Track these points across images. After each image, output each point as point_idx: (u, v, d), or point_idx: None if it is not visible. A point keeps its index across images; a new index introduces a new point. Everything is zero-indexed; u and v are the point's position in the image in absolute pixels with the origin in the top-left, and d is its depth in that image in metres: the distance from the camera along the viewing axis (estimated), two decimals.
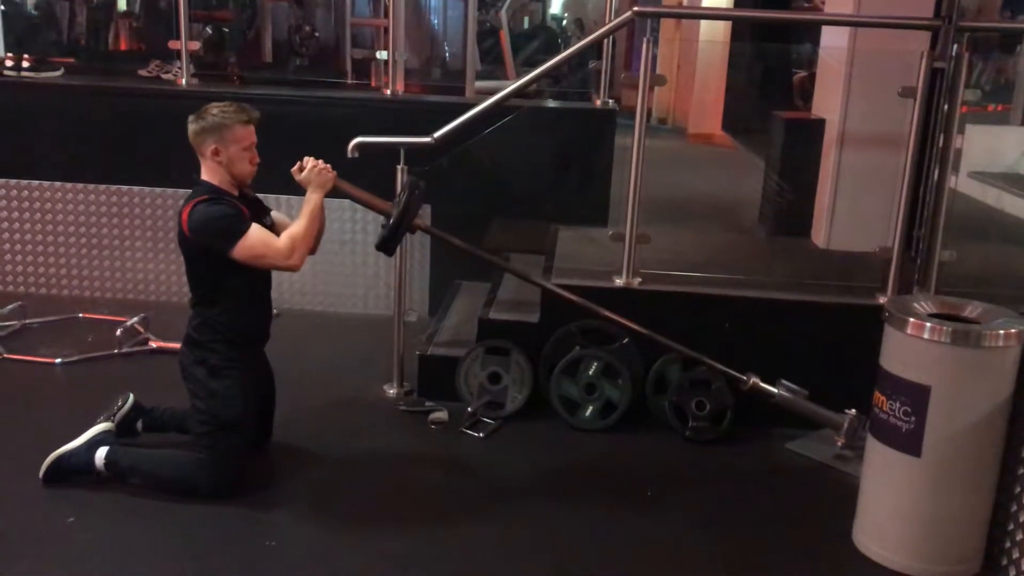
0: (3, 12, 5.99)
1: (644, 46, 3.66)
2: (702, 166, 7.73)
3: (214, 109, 2.91)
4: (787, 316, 3.63)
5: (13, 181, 4.80)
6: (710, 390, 3.51)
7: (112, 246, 4.86)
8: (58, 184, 4.80)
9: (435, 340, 3.95)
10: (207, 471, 2.92)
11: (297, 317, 4.71)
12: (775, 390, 3.33)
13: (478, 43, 6.71)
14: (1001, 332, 2.59)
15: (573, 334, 3.66)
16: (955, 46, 3.48)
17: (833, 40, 4.47)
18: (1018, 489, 2.68)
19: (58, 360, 3.99)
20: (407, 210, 3.11)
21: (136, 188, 4.79)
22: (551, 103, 5.40)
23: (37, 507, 2.86)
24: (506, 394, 3.65)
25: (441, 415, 3.59)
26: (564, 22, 12.80)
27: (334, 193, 3.10)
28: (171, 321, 4.27)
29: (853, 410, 3.29)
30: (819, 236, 4.43)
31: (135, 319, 4.23)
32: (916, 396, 2.64)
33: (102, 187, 4.80)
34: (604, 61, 4.91)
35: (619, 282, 3.70)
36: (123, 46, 6.53)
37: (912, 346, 2.66)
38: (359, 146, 3.59)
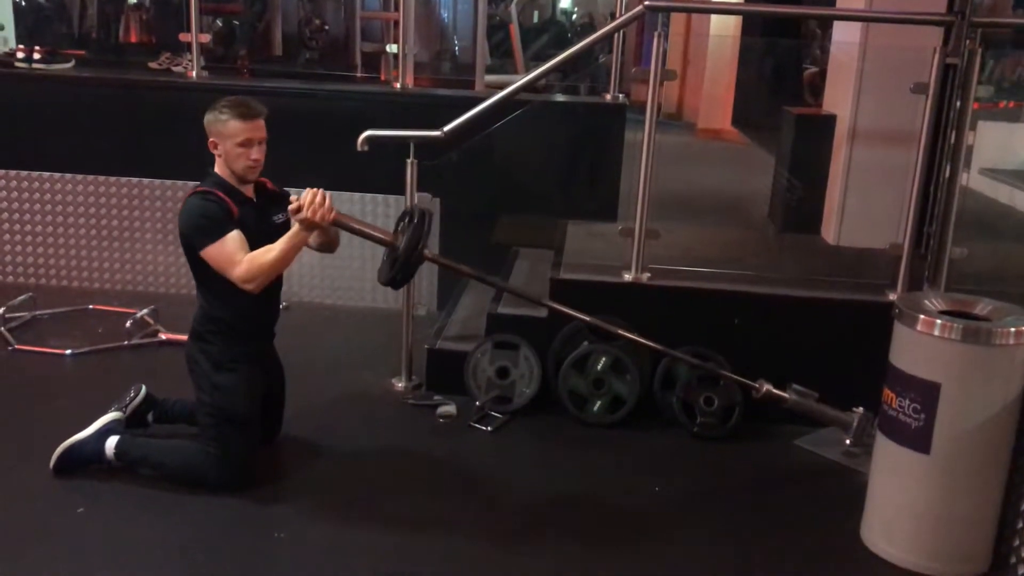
0: (15, 4, 6.00)
1: (655, 40, 3.65)
2: (712, 162, 7.71)
3: (220, 103, 2.91)
4: (796, 312, 3.62)
5: (24, 172, 4.82)
6: (718, 386, 3.50)
7: (122, 238, 4.87)
8: (68, 176, 4.81)
9: (444, 334, 3.95)
10: (214, 464, 2.92)
11: (306, 310, 4.72)
12: (788, 395, 3.32)
13: (488, 37, 6.70)
14: (1012, 330, 2.58)
15: (582, 329, 3.66)
16: (968, 42, 3.46)
17: (845, 35, 4.45)
18: None
19: (68, 351, 4.00)
20: (415, 244, 2.87)
21: (146, 180, 4.80)
22: (561, 97, 5.39)
23: (47, 498, 2.87)
24: (514, 388, 3.65)
25: (449, 409, 3.60)
26: (574, 16, 12.78)
27: (334, 228, 2.95)
28: (181, 313, 4.27)
29: (861, 408, 3.28)
30: (829, 232, 4.42)
31: (145, 311, 4.25)
32: (925, 393, 2.63)
33: (112, 179, 4.81)
34: (614, 55, 4.90)
35: (628, 277, 3.69)
36: (133, 38, 6.53)
37: (922, 343, 2.65)
38: (368, 139, 3.59)
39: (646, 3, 3.56)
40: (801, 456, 3.42)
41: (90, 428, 3.01)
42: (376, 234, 3.02)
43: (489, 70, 6.17)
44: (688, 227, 4.59)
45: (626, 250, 3.71)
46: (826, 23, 6.29)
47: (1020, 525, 2.68)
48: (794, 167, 4.75)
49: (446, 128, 3.64)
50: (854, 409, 3.31)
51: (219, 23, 6.29)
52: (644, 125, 3.64)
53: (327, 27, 6.72)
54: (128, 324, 4.13)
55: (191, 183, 4.52)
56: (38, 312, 4.41)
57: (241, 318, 2.97)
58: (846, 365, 3.46)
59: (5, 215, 4.86)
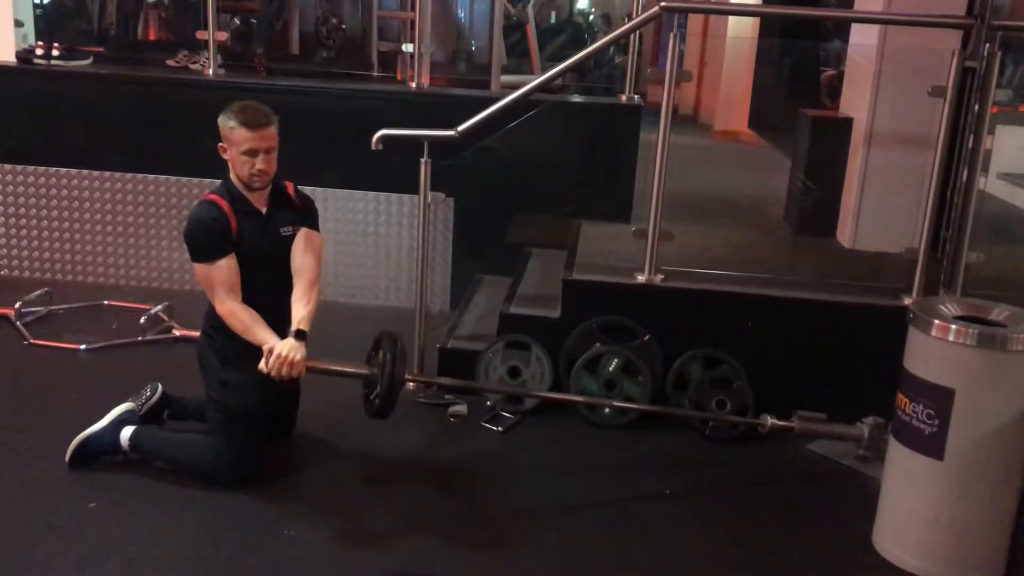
0: (34, 2, 6.04)
1: (671, 41, 3.64)
2: (728, 163, 7.68)
3: (231, 107, 2.90)
4: (810, 316, 3.60)
5: (41, 168, 4.85)
6: (731, 388, 3.49)
7: (138, 234, 4.89)
8: (85, 172, 4.84)
9: (456, 333, 3.95)
10: (224, 460, 2.94)
11: (319, 308, 4.70)
12: (794, 424, 3.31)
13: (504, 37, 6.71)
14: None
15: (594, 330, 3.65)
16: (987, 45, 3.43)
17: (862, 38, 4.43)
18: None
19: (83, 346, 4.03)
20: (394, 371, 2.88)
21: (162, 177, 4.82)
22: (576, 98, 5.39)
23: (59, 492, 2.89)
24: (526, 389, 3.64)
25: (460, 408, 3.60)
26: (591, 17, 12.76)
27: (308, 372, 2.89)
28: (195, 309, 4.26)
29: (871, 418, 3.26)
30: (844, 236, 4.39)
31: (159, 307, 4.27)
32: (940, 399, 2.61)
33: (128, 175, 4.83)
34: (630, 56, 4.89)
35: (641, 278, 3.68)
36: (152, 36, 6.58)
37: (937, 348, 2.63)
38: (383, 138, 3.60)
39: (662, 4, 3.55)
40: (813, 460, 3.40)
41: (104, 419, 3.03)
42: (350, 370, 3.00)
43: (505, 70, 6.17)
44: (703, 229, 4.57)
45: (639, 251, 3.70)
46: (842, 25, 6.25)
47: None
48: (810, 170, 4.72)
49: (460, 128, 3.64)
50: (863, 420, 3.28)
51: (237, 21, 6.33)
52: (659, 126, 3.62)
53: (344, 26, 6.76)
54: (142, 320, 4.15)
55: (207, 180, 4.58)
56: (54, 307, 4.43)
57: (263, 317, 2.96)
58: (860, 369, 3.44)
59: (23, 210, 4.90)
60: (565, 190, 4.72)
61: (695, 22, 9.46)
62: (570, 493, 3.11)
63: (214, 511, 2.83)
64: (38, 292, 4.42)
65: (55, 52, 5.06)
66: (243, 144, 2.86)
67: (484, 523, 2.89)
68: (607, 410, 3.56)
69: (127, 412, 3.08)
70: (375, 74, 6.18)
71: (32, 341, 4.05)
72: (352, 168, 4.59)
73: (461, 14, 7.54)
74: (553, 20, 11.43)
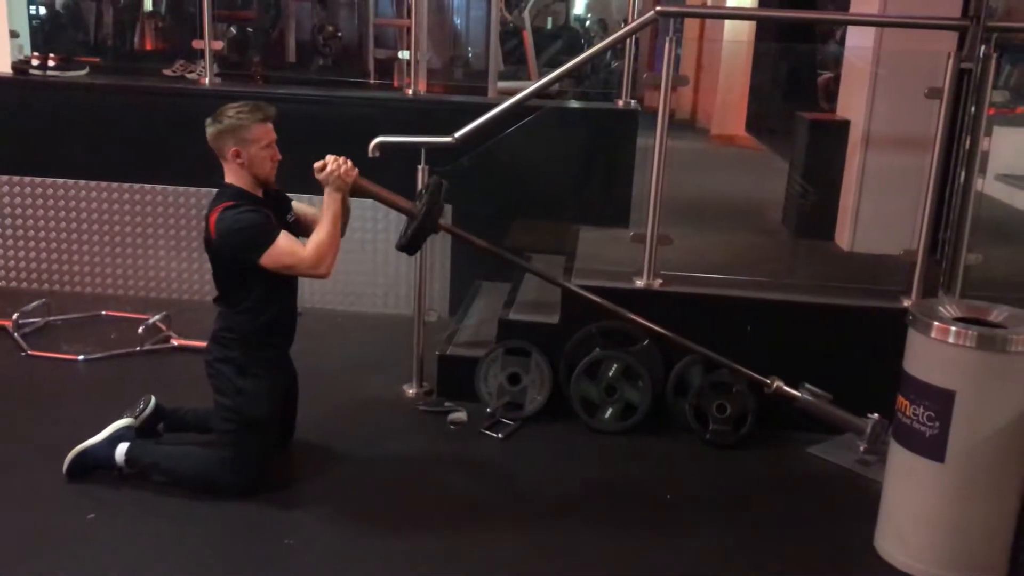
0: (30, 13, 6.04)
1: (667, 46, 3.64)
2: (725, 167, 7.69)
3: (230, 111, 2.90)
4: (810, 319, 3.59)
5: (38, 179, 4.84)
6: (731, 393, 3.48)
7: (135, 244, 4.89)
8: (82, 182, 4.83)
9: (455, 340, 3.95)
10: (230, 469, 2.93)
11: (318, 316, 4.72)
12: (799, 393, 3.30)
13: (501, 43, 6.71)
14: None
15: (593, 335, 3.65)
16: (983, 47, 3.44)
17: (859, 40, 4.43)
18: None
19: (81, 357, 4.02)
20: (431, 210, 3.10)
21: (159, 187, 4.82)
22: (573, 103, 5.39)
23: (58, 502, 2.88)
24: (526, 395, 3.64)
25: (460, 416, 3.59)
26: (587, 22, 12.78)
27: (356, 192, 3.06)
28: (193, 319, 4.31)
29: (876, 414, 3.26)
30: (843, 238, 4.39)
31: (157, 317, 4.26)
32: (940, 401, 2.60)
33: (126, 185, 4.83)
34: (627, 61, 4.89)
35: (640, 283, 3.68)
36: (148, 46, 6.58)
37: (937, 350, 2.63)
38: (380, 145, 3.60)
39: (658, 8, 3.55)
40: (814, 464, 3.39)
41: (101, 434, 3.02)
42: (395, 200, 3.16)
43: (502, 76, 6.18)
44: (701, 233, 4.57)
45: (638, 256, 3.69)
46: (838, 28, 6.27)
47: None
48: (808, 173, 4.73)
49: (457, 134, 3.64)
50: (869, 415, 3.28)
51: (233, 30, 6.33)
52: (656, 131, 3.62)
53: (340, 34, 6.76)
54: (141, 330, 4.14)
55: (204, 190, 4.58)
56: (51, 318, 4.43)
57: (267, 329, 2.99)
58: (860, 372, 3.43)
59: (20, 221, 4.89)
60: (563, 195, 4.72)
61: (691, 26, 9.47)
62: (571, 499, 3.10)
63: (214, 521, 2.82)
64: (36, 303, 4.41)
65: (51, 63, 5.07)
66: (264, 138, 2.92)
67: (484, 531, 2.88)
68: (607, 414, 3.55)
69: (124, 428, 3.06)
70: (372, 81, 6.18)
71: (30, 352, 4.04)
72: None
73: (457, 21, 7.55)
74: (550, 26, 11.46)
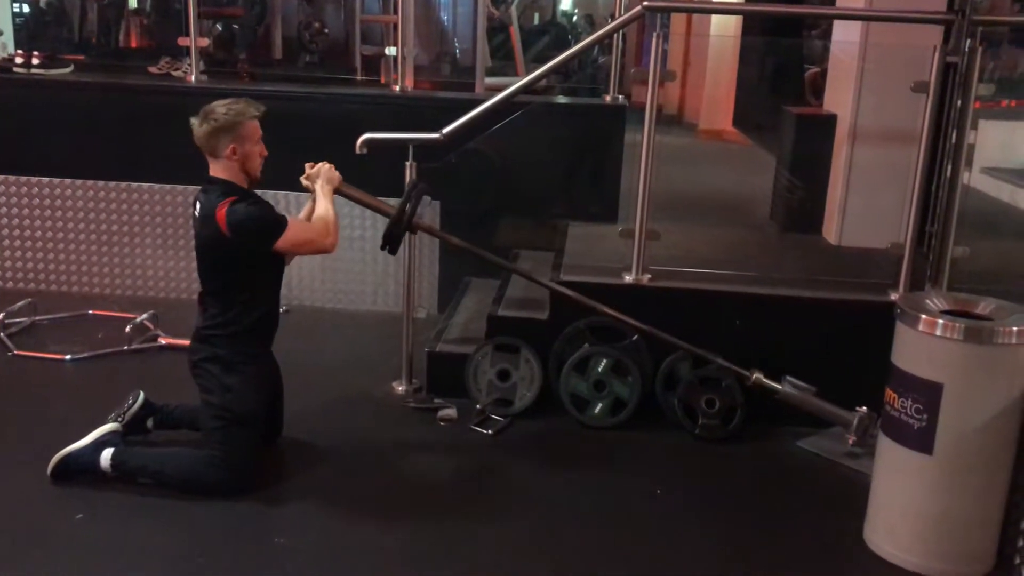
0: (14, 11, 6.00)
1: (654, 41, 3.64)
2: (713, 162, 7.69)
3: (221, 108, 2.91)
4: (798, 313, 3.61)
5: (24, 178, 4.81)
6: (720, 388, 3.49)
7: (122, 243, 4.87)
8: (68, 181, 4.81)
9: (444, 337, 3.94)
10: (220, 467, 2.92)
11: (307, 314, 4.71)
12: (779, 386, 3.32)
13: (488, 39, 6.68)
14: (1015, 329, 2.57)
15: (582, 331, 3.65)
16: (968, 40, 3.45)
17: (845, 35, 4.44)
18: None
19: (68, 357, 4.00)
20: (404, 211, 3.25)
21: (145, 185, 4.79)
22: (561, 99, 5.38)
23: (46, 504, 2.86)
24: (515, 391, 3.63)
25: (450, 412, 3.59)
26: (575, 18, 12.77)
27: (339, 193, 3.20)
28: (180, 317, 4.28)
29: (864, 407, 3.27)
30: (831, 232, 4.40)
31: (144, 316, 4.24)
32: (928, 394, 2.61)
33: (112, 184, 4.80)
34: (614, 56, 4.88)
35: (629, 279, 3.68)
36: (134, 43, 6.54)
37: (924, 343, 2.64)
38: (367, 142, 3.59)
39: (645, 3, 3.55)
40: (804, 457, 3.40)
41: (86, 439, 3.00)
42: (375, 203, 3.35)
43: (490, 72, 6.15)
44: (689, 228, 4.57)
45: (627, 252, 3.69)
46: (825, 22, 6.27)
47: None
48: (795, 167, 4.73)
49: (445, 130, 3.63)
50: (857, 408, 3.29)
51: (219, 27, 6.29)
52: (644, 126, 3.62)
53: (327, 30, 6.73)
54: (128, 329, 4.12)
55: (191, 188, 4.55)
56: (38, 317, 4.40)
57: (258, 321, 3.02)
58: (848, 366, 3.45)
59: (4, 220, 4.86)
60: (551, 191, 4.71)
61: (678, 21, 9.44)
62: (561, 494, 3.10)
63: (203, 521, 2.81)
64: (21, 303, 4.39)
65: (35, 61, 5.03)
66: (255, 134, 2.99)
67: (474, 527, 2.87)
68: (597, 410, 3.56)
69: (109, 434, 3.04)
70: (359, 78, 6.15)
71: (16, 352, 4.01)
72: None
73: (444, 17, 7.53)
74: (537, 22, 11.42)
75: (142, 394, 3.24)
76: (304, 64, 6.51)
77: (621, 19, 3.97)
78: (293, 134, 4.55)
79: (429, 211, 4.53)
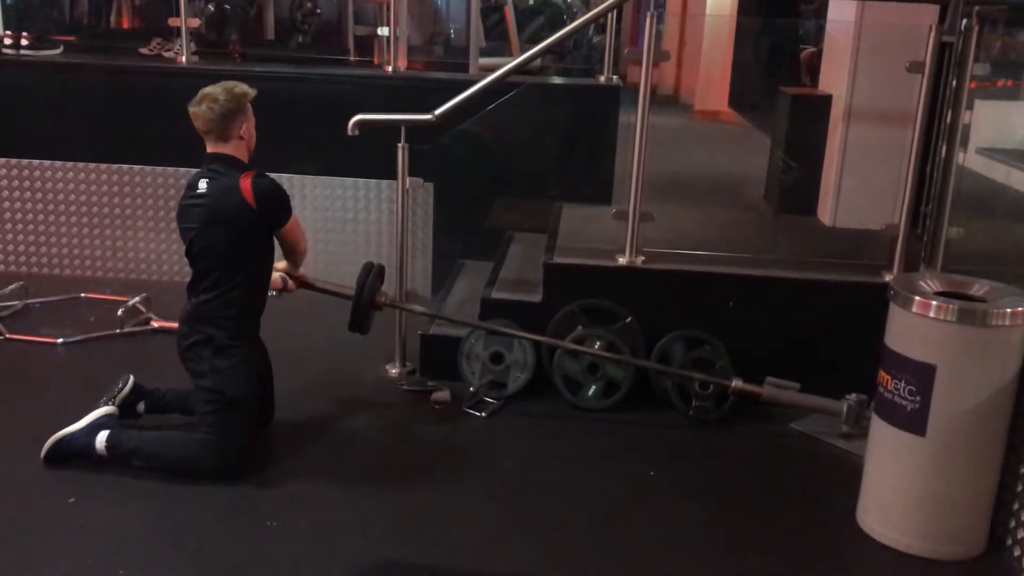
0: None
1: (647, 20, 3.61)
2: (708, 143, 7.66)
3: (222, 92, 2.92)
4: (792, 294, 3.60)
5: (14, 160, 4.78)
6: (714, 369, 3.48)
7: (113, 225, 4.84)
8: (59, 163, 4.78)
9: (437, 320, 3.92)
10: (213, 451, 2.91)
11: (299, 297, 4.66)
12: (760, 390, 3.31)
13: (482, 19, 6.65)
14: (1008, 311, 2.56)
15: (576, 314, 3.64)
16: (964, 20, 3.42)
17: (840, 14, 4.41)
18: None
19: (60, 340, 3.98)
20: (362, 294, 3.36)
21: (137, 167, 4.77)
22: (555, 80, 5.35)
23: (38, 488, 2.86)
24: (508, 374, 3.63)
25: (443, 395, 3.58)
26: None
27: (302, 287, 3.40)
28: (173, 300, 4.24)
29: (852, 395, 3.27)
30: (825, 214, 4.39)
31: (137, 299, 4.22)
32: (921, 375, 2.61)
33: (103, 166, 4.78)
34: (608, 36, 4.85)
35: (622, 261, 3.67)
36: (125, 24, 6.48)
37: (918, 325, 2.63)
38: (359, 124, 3.56)
39: None
40: (797, 439, 3.41)
41: (82, 421, 3.00)
42: (335, 288, 3.48)
43: (484, 53, 6.12)
44: (684, 210, 4.56)
45: (620, 233, 3.68)
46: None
47: (1016, 507, 2.68)
48: (790, 148, 4.71)
49: (437, 112, 3.61)
50: (847, 396, 3.29)
51: (211, 8, 6.23)
52: (638, 107, 3.60)
53: (319, 11, 6.66)
54: (120, 312, 4.10)
55: (183, 170, 4.53)
56: (30, 301, 4.39)
57: (255, 301, 3.07)
58: (842, 347, 3.45)
59: None
60: (545, 173, 4.70)
61: (673, 1, 9.43)
62: (553, 476, 3.10)
63: (195, 504, 2.81)
64: (13, 286, 4.37)
65: (24, 42, 4.98)
66: (252, 115, 3.04)
67: (467, 509, 2.88)
68: (590, 392, 3.55)
69: (105, 416, 3.04)
70: (352, 59, 6.10)
71: (8, 336, 4.00)
72: (329, 155, 4.55)
73: None
74: (532, 1, 11.35)
75: (132, 378, 3.23)
76: (296, 45, 6.45)
77: None
78: (285, 116, 4.54)
79: (423, 193, 4.52)
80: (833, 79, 4.40)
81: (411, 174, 3.68)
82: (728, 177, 5.66)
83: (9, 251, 4.88)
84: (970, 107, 3.55)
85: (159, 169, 4.74)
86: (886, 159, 3.88)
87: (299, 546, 2.64)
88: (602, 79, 4.76)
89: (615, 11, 4.50)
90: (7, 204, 4.83)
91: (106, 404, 3.10)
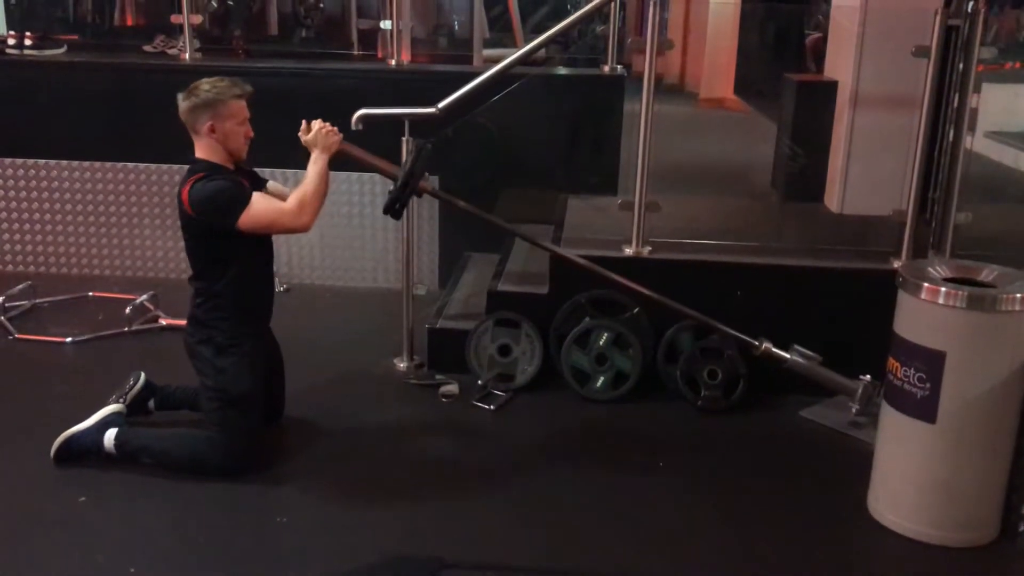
0: None
1: (651, 8, 3.59)
2: (714, 131, 7.64)
3: (205, 85, 2.87)
4: (800, 282, 3.58)
5: (20, 160, 4.79)
6: (722, 359, 3.48)
7: (120, 224, 4.85)
8: (64, 162, 4.79)
9: (445, 313, 3.93)
10: (219, 448, 2.91)
11: (306, 291, 4.70)
12: (787, 355, 3.29)
13: (486, 10, 6.61)
14: (1018, 296, 2.54)
15: (583, 305, 3.63)
16: (971, 2, 3.39)
17: None
18: None
19: (69, 339, 3.99)
20: (412, 172, 3.05)
21: (142, 165, 4.77)
22: (559, 70, 5.33)
23: (48, 486, 2.87)
24: (516, 366, 3.62)
25: (452, 388, 3.58)
26: None
27: (340, 157, 3.02)
28: (180, 298, 4.22)
29: (867, 376, 3.25)
30: (832, 201, 4.37)
31: (144, 296, 4.23)
32: (931, 362, 2.60)
33: (108, 164, 4.78)
34: (611, 25, 4.83)
35: (629, 251, 3.65)
36: (129, 21, 6.48)
37: (927, 311, 2.61)
38: (363, 118, 3.55)
39: None
40: (806, 427, 3.39)
41: (90, 419, 3.00)
42: (379, 163, 3.12)
43: (488, 44, 6.09)
44: (690, 198, 4.55)
45: (627, 224, 3.67)
46: None
47: None
48: (796, 135, 4.69)
49: (441, 104, 3.60)
50: (861, 377, 3.27)
51: (214, 4, 6.23)
52: (642, 96, 3.58)
53: (322, 5, 6.65)
54: (128, 310, 4.11)
55: (188, 167, 4.52)
56: (38, 300, 4.40)
57: (248, 299, 2.99)
58: (851, 335, 3.43)
59: (2, 203, 4.84)
60: (550, 164, 4.68)
61: None
62: (563, 468, 3.09)
63: (205, 501, 2.82)
64: (21, 286, 4.38)
65: (28, 41, 4.99)
66: (240, 114, 2.91)
67: (476, 502, 2.87)
68: (599, 383, 3.55)
69: (113, 414, 3.04)
70: (355, 53, 6.09)
71: (17, 336, 4.01)
72: None
73: None
74: None
75: (143, 375, 3.24)
76: (300, 40, 6.45)
77: None
78: (289, 111, 4.50)
79: (427, 177, 4.50)
80: (839, 65, 4.37)
81: None
82: (734, 165, 5.64)
83: (16, 251, 4.89)
84: (977, 90, 3.52)
85: (164, 167, 4.73)
86: (893, 145, 3.85)
87: (309, 541, 2.64)
88: (606, 69, 4.74)
89: (618, 0, 4.48)
90: (14, 204, 4.84)
91: (116, 402, 3.11)
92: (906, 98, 3.69)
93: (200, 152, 2.93)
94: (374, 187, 4.68)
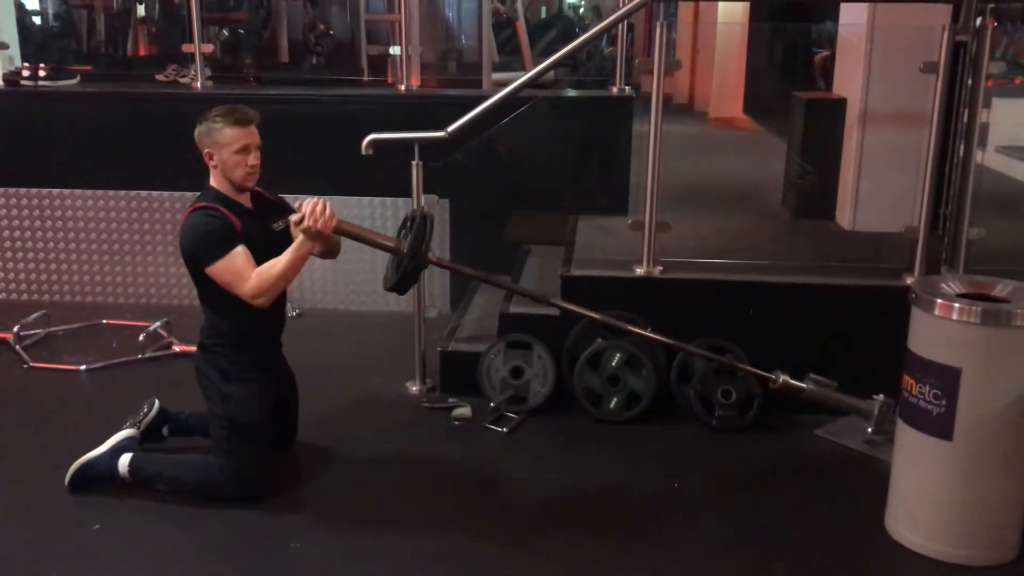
0: (21, 22, 6.02)
1: (658, 29, 3.60)
2: (724, 150, 7.63)
3: (210, 113, 2.89)
4: (813, 300, 3.57)
5: (34, 190, 4.83)
6: (736, 378, 3.46)
7: (133, 251, 4.88)
8: (78, 192, 4.83)
9: (456, 336, 3.93)
10: (228, 476, 2.91)
11: (318, 316, 4.71)
12: (804, 385, 3.27)
13: (495, 34, 6.66)
14: None
15: (595, 326, 3.62)
16: (979, 18, 3.39)
17: (852, 17, 4.39)
18: None
19: (83, 367, 4.01)
20: (416, 248, 2.90)
21: (155, 193, 4.80)
22: (568, 92, 5.35)
23: (63, 514, 2.87)
24: (529, 388, 3.62)
25: (464, 411, 3.57)
26: (581, 10, 12.72)
27: (338, 233, 2.93)
28: (194, 324, 4.23)
29: (881, 395, 3.23)
30: (844, 218, 4.36)
31: (158, 323, 4.25)
32: (946, 379, 2.58)
33: (121, 193, 4.82)
34: (619, 47, 4.85)
35: (640, 271, 3.65)
36: (141, 51, 6.56)
37: (941, 327, 2.60)
38: (373, 143, 3.57)
39: None
40: (822, 446, 3.37)
41: (104, 445, 3.01)
42: (379, 240, 3.03)
43: (497, 68, 6.14)
44: (701, 218, 4.54)
45: (637, 244, 3.67)
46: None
47: None
48: (806, 152, 4.69)
49: (450, 128, 3.61)
50: (874, 396, 3.25)
51: (225, 32, 6.30)
52: (651, 116, 3.59)
53: (332, 32, 6.72)
54: (142, 337, 4.13)
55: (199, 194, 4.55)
56: (52, 329, 4.42)
57: (248, 329, 2.96)
58: (864, 352, 3.41)
59: (17, 233, 4.88)
60: (560, 185, 4.69)
61: (686, 9, 9.41)
62: (577, 491, 3.08)
63: (219, 528, 2.81)
64: (36, 314, 4.41)
65: (41, 73, 5.05)
66: (235, 143, 2.85)
67: (490, 526, 2.86)
68: (612, 404, 3.53)
69: (127, 439, 3.05)
70: (366, 78, 6.14)
71: (32, 364, 4.03)
72: (344, 174, 4.56)
73: (449, 14, 7.50)
74: (543, 15, 11.38)
75: (157, 402, 3.25)
76: (310, 66, 6.50)
77: (626, 8, 3.93)
78: (300, 137, 4.56)
79: (438, 209, 4.51)
80: (847, 82, 4.37)
81: (426, 191, 3.68)
82: (745, 184, 5.63)
83: (31, 279, 4.93)
84: (987, 105, 3.51)
85: (177, 194, 4.76)
86: (903, 161, 3.84)
87: (323, 567, 2.63)
88: (615, 90, 4.76)
89: (626, 21, 4.50)
90: (28, 234, 4.88)
91: (130, 428, 3.11)
92: (916, 114, 3.68)
93: (212, 180, 2.94)
94: (384, 211, 4.70)
